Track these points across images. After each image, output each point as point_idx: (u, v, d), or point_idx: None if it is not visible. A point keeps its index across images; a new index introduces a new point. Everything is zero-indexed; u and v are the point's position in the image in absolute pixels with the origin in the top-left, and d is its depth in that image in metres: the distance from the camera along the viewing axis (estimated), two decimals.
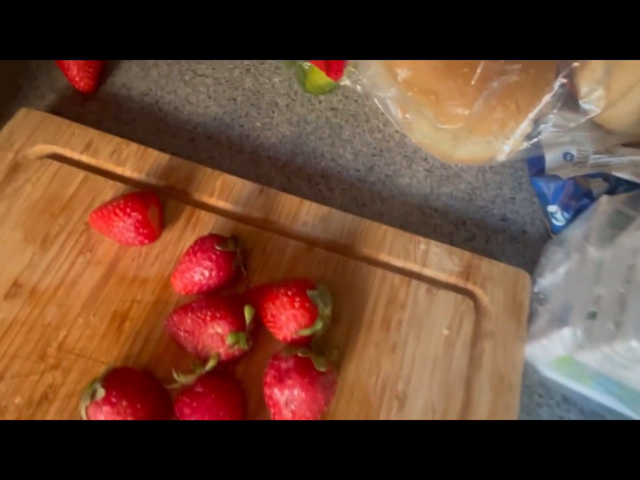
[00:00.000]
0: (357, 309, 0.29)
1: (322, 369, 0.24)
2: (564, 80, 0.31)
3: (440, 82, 0.33)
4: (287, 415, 0.24)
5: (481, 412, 0.27)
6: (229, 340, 0.24)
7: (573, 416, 0.29)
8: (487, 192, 0.37)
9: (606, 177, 0.32)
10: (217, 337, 0.24)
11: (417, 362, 0.28)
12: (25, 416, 0.24)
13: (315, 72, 0.36)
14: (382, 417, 0.26)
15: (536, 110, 0.32)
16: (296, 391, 0.23)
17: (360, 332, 0.28)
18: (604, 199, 0.28)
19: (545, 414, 0.30)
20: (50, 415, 0.24)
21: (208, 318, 0.24)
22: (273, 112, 0.39)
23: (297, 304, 0.25)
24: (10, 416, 0.24)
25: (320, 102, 0.39)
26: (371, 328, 0.29)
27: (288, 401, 0.23)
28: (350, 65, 0.35)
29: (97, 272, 0.28)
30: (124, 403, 0.22)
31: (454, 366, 0.28)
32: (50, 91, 0.37)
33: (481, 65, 0.31)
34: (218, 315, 0.24)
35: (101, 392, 0.22)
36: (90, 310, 0.27)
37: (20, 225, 0.29)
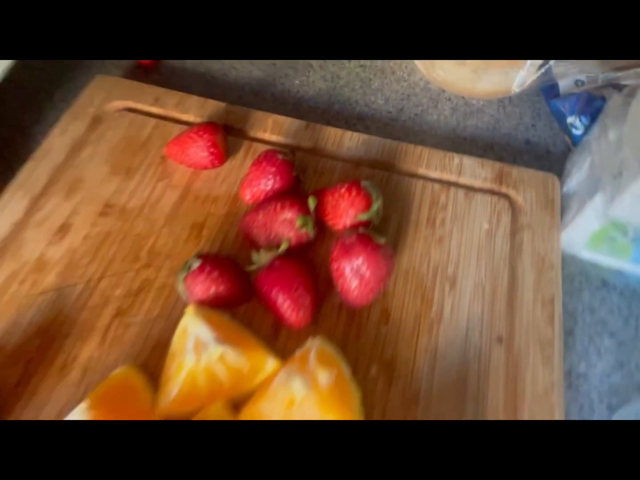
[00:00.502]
0: (404, 211, 0.33)
1: (382, 241, 0.27)
2: None
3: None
4: (354, 283, 0.27)
5: (527, 287, 0.30)
6: (299, 222, 0.28)
7: (615, 298, 0.32)
8: (510, 122, 0.41)
9: (616, 86, 0.35)
10: (287, 223, 0.28)
11: (463, 251, 0.31)
12: (126, 305, 0.28)
13: None
14: (436, 296, 0.29)
15: None
16: (361, 259, 0.26)
17: (409, 229, 0.32)
18: (615, 95, 0.32)
19: (586, 297, 0.32)
20: (147, 303, 0.28)
21: (278, 208, 0.28)
22: (308, 71, 0.43)
23: (354, 192, 0.29)
24: (112, 305, 0.28)
25: (349, 61, 0.44)
26: (418, 226, 0.32)
27: (354, 270, 0.27)
28: None
29: (175, 193, 0.32)
30: (216, 273, 0.26)
31: (497, 253, 0.31)
32: (117, 68, 0.43)
33: None
34: (287, 204, 0.28)
35: (197, 263, 0.26)
36: (172, 222, 0.31)
37: (106, 161, 0.34)
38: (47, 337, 0.27)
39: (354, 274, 0.27)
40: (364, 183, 0.29)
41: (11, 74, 0.36)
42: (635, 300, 0.32)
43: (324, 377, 0.22)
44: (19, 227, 0.31)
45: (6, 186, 0.32)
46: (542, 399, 0.26)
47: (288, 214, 0.28)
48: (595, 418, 0.28)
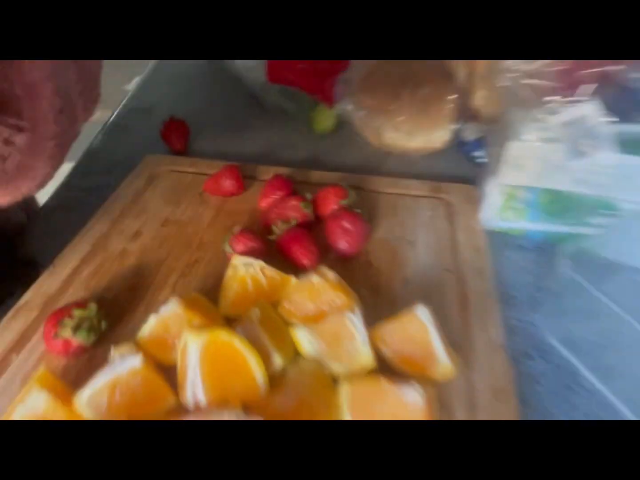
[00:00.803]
0: (374, 209, 0.47)
1: (359, 211, 0.41)
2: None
3: (394, 103, 0.56)
4: (345, 237, 0.39)
5: (462, 242, 0.43)
6: (302, 205, 0.41)
7: (522, 250, 0.45)
8: (436, 164, 0.58)
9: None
10: (294, 207, 0.42)
11: (417, 227, 0.45)
12: (187, 271, 0.39)
13: (322, 116, 0.59)
14: (402, 252, 0.42)
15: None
16: (347, 221, 0.40)
17: (379, 218, 0.46)
18: (491, 135, 0.49)
19: (505, 251, 0.45)
20: (201, 268, 0.40)
21: (288, 199, 0.42)
22: (295, 147, 0.61)
23: (337, 188, 0.43)
24: (177, 272, 0.39)
25: (327, 139, 0.62)
26: (385, 215, 0.46)
27: (344, 227, 0.40)
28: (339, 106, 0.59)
29: (211, 212, 0.46)
30: (249, 234, 0.38)
31: (439, 228, 0.45)
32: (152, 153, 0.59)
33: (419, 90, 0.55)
34: (294, 197, 0.42)
35: (238, 229, 0.39)
36: (212, 227, 0.44)
37: (161, 197, 0.48)
38: (133, 291, 0.38)
39: (343, 231, 0.40)
40: (342, 183, 0.44)
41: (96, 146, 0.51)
42: (537, 250, 0.45)
43: (330, 274, 0.34)
44: (105, 235, 0.43)
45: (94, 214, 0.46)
46: (482, 309, 0.38)
47: (295, 202, 0.42)
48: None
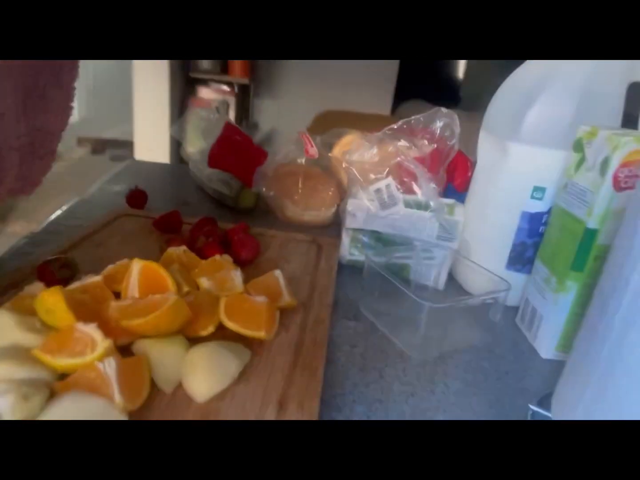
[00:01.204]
0: (266, 248, 0.70)
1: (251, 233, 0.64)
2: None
3: (293, 189, 0.83)
4: (243, 248, 0.62)
5: (322, 268, 0.66)
6: (217, 229, 0.64)
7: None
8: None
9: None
10: (212, 231, 0.64)
11: (296, 256, 0.68)
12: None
13: (246, 195, 0.85)
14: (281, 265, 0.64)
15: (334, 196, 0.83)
16: (247, 238, 0.63)
17: (268, 253, 0.69)
18: None
19: (348, 273, 0.68)
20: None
21: (209, 227, 0.65)
22: (224, 219, 0.85)
23: (243, 225, 0.67)
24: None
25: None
26: (271, 249, 0.69)
27: (243, 242, 0.62)
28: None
29: (155, 240, 0.67)
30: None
31: (311, 256, 0.68)
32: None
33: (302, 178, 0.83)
34: (212, 226, 0.65)
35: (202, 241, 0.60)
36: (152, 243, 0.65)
37: (118, 232, 0.69)
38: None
39: (243, 244, 0.62)
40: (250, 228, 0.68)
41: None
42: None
43: (226, 256, 0.56)
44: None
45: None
46: (322, 292, 0.59)
47: (211, 227, 0.65)
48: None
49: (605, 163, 0.45)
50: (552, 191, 0.57)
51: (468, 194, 0.67)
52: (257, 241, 0.64)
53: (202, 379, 0.38)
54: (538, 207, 0.58)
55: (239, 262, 0.60)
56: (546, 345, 0.53)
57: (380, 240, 0.67)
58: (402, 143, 0.65)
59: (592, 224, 0.47)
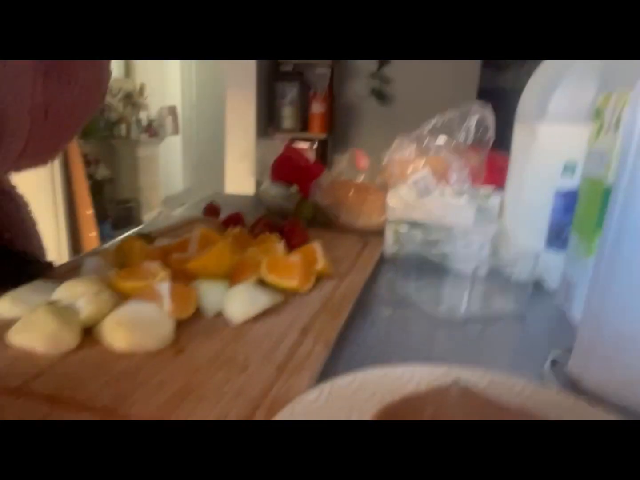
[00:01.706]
0: None
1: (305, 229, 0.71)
2: None
3: (341, 198, 0.91)
4: (293, 238, 0.69)
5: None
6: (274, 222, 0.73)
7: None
8: None
9: None
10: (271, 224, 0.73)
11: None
12: None
13: (304, 206, 0.94)
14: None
15: None
16: (298, 230, 0.70)
17: None
18: None
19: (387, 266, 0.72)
20: None
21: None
22: None
23: (298, 220, 0.75)
24: None
25: None
26: None
27: (296, 232, 0.70)
28: None
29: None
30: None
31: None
32: None
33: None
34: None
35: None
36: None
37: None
38: None
39: (292, 231, 0.70)
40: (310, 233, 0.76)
41: None
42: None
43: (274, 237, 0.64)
44: None
45: None
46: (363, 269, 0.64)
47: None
48: None
49: (617, 120, 0.48)
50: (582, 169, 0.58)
51: (506, 183, 0.69)
52: (306, 232, 0.72)
53: (238, 305, 0.45)
54: (570, 184, 0.59)
55: (289, 248, 0.67)
56: (579, 312, 0.53)
57: (419, 229, 0.71)
58: (440, 140, 0.70)
59: (610, 180, 0.48)
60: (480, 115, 0.69)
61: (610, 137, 0.49)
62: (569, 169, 0.59)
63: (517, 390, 0.35)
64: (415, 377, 0.36)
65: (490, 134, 0.69)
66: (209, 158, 4.48)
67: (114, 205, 3.75)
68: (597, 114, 0.53)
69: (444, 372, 0.37)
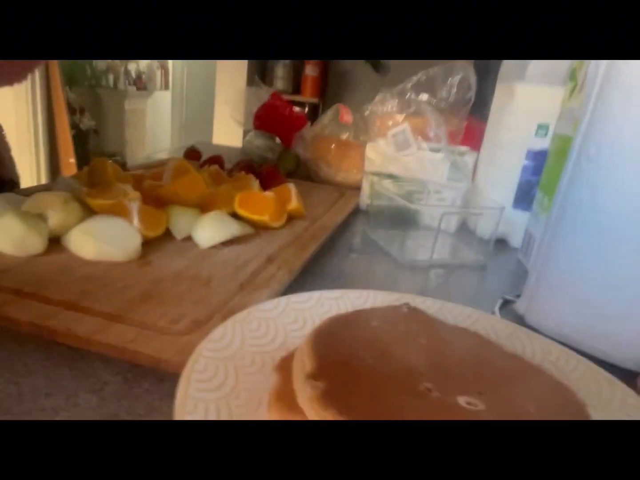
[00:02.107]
0: None
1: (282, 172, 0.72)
2: None
3: (328, 153, 0.91)
4: (271, 181, 0.70)
5: None
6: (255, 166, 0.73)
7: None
8: None
9: None
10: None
11: None
12: None
13: (287, 157, 0.94)
14: None
15: None
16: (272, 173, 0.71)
17: None
18: None
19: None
20: None
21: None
22: None
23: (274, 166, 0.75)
24: None
25: None
26: None
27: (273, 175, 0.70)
28: None
29: None
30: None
31: None
32: None
33: None
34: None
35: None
36: None
37: None
38: None
39: (269, 175, 0.71)
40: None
41: None
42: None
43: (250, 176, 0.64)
44: None
45: None
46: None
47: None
48: None
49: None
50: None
51: (482, 142, 0.71)
52: (282, 175, 0.72)
53: (207, 230, 0.46)
54: (541, 144, 0.61)
55: (264, 189, 0.68)
56: None
57: (395, 181, 0.72)
58: (422, 96, 0.71)
59: None
60: (463, 73, 0.69)
61: (581, 97, 0.50)
62: (542, 128, 0.61)
63: (465, 315, 0.37)
64: (369, 300, 0.38)
65: (472, 93, 0.70)
66: (198, 117, 4.40)
67: (97, 157, 3.68)
68: (572, 75, 0.54)
69: (397, 298, 0.39)
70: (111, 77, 3.74)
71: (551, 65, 0.59)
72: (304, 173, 0.94)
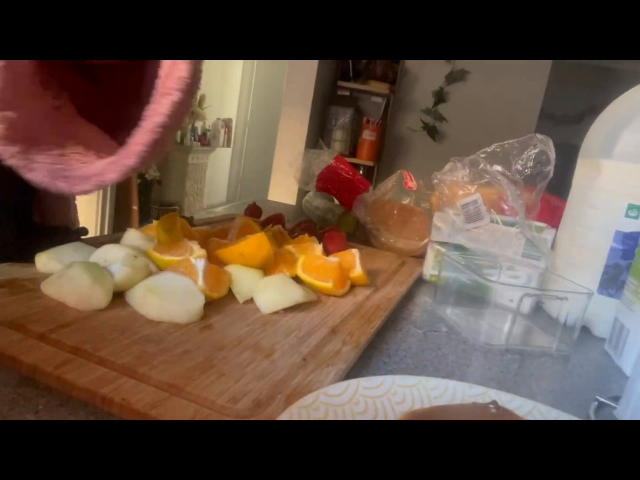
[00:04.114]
0: None
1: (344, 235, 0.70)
2: None
3: (389, 219, 0.89)
4: (332, 244, 0.68)
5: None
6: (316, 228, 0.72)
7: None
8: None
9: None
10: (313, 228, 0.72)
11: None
12: None
13: (347, 219, 0.93)
14: None
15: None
16: (336, 236, 0.69)
17: None
18: None
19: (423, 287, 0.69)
20: None
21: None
22: None
23: (338, 229, 0.73)
24: None
25: None
26: None
27: (333, 239, 0.69)
28: None
29: None
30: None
31: None
32: None
33: None
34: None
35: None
36: None
37: None
38: None
39: (331, 237, 0.69)
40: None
41: None
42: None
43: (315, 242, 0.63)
44: None
45: None
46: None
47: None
48: None
49: None
50: None
51: (562, 219, 0.66)
52: (345, 239, 0.70)
53: (270, 294, 0.44)
54: (633, 226, 0.56)
55: (326, 253, 0.66)
56: (632, 361, 0.49)
57: (464, 253, 0.68)
58: (496, 167, 0.68)
59: None
60: (541, 147, 0.66)
61: None
62: (634, 209, 0.56)
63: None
64: (449, 391, 0.34)
65: (550, 167, 0.66)
66: (255, 174, 4.58)
67: (157, 206, 3.86)
68: None
69: (480, 392, 0.34)
70: (179, 134, 3.99)
71: None
72: (362, 237, 0.92)
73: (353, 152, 2.99)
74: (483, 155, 0.70)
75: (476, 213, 0.66)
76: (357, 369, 0.39)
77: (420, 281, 0.71)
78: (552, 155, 0.66)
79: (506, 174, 0.68)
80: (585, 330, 0.60)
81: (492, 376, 0.45)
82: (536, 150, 0.67)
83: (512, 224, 0.65)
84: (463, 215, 0.67)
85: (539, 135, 0.67)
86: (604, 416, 0.40)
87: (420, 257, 0.81)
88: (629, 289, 0.52)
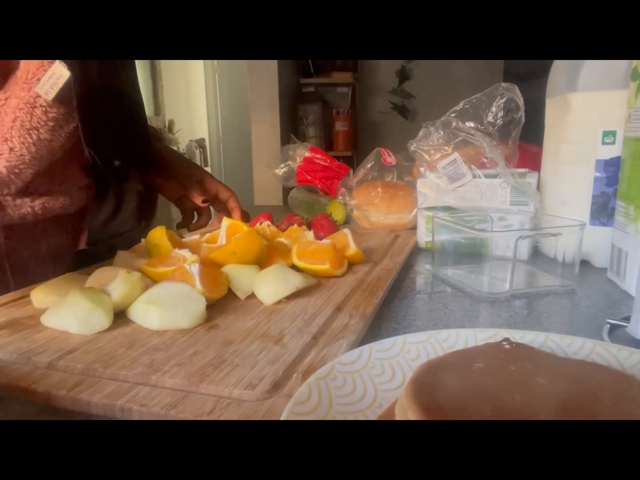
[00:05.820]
0: None
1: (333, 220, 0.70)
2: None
3: (375, 197, 0.89)
4: (322, 230, 0.68)
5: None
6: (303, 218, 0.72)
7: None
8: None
9: None
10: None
11: None
12: None
13: (336, 208, 0.93)
14: None
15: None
16: (325, 219, 0.69)
17: None
18: None
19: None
20: None
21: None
22: None
23: (326, 215, 0.74)
24: None
25: None
26: None
27: (322, 223, 0.69)
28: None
29: None
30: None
31: None
32: None
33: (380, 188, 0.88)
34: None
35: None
36: None
37: None
38: None
39: (320, 224, 0.69)
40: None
41: None
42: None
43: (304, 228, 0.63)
44: None
45: None
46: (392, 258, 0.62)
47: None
48: None
49: None
50: (623, 132, 0.55)
51: (542, 160, 0.67)
52: (334, 223, 0.70)
53: (269, 285, 0.44)
54: (611, 152, 0.56)
55: (318, 239, 0.66)
56: (635, 280, 0.49)
57: (453, 214, 0.68)
58: (468, 124, 0.68)
59: None
60: (508, 95, 0.67)
61: None
62: (609, 135, 0.56)
63: (577, 346, 0.32)
64: (461, 339, 0.34)
65: (521, 113, 0.67)
66: (238, 184, 4.57)
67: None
68: (635, 73, 0.50)
69: (491, 335, 0.34)
70: None
71: (606, 69, 0.56)
72: (354, 223, 0.92)
73: (329, 146, 3.00)
74: (454, 115, 0.70)
75: (457, 172, 0.67)
76: (368, 338, 0.39)
77: (417, 250, 0.71)
78: (521, 101, 0.67)
79: (479, 127, 0.69)
80: (586, 264, 0.60)
81: (502, 322, 0.45)
82: (504, 100, 0.68)
83: (494, 176, 0.65)
84: (445, 177, 0.67)
85: (503, 84, 0.68)
86: (616, 336, 0.40)
87: (413, 228, 0.81)
88: (619, 213, 0.53)
